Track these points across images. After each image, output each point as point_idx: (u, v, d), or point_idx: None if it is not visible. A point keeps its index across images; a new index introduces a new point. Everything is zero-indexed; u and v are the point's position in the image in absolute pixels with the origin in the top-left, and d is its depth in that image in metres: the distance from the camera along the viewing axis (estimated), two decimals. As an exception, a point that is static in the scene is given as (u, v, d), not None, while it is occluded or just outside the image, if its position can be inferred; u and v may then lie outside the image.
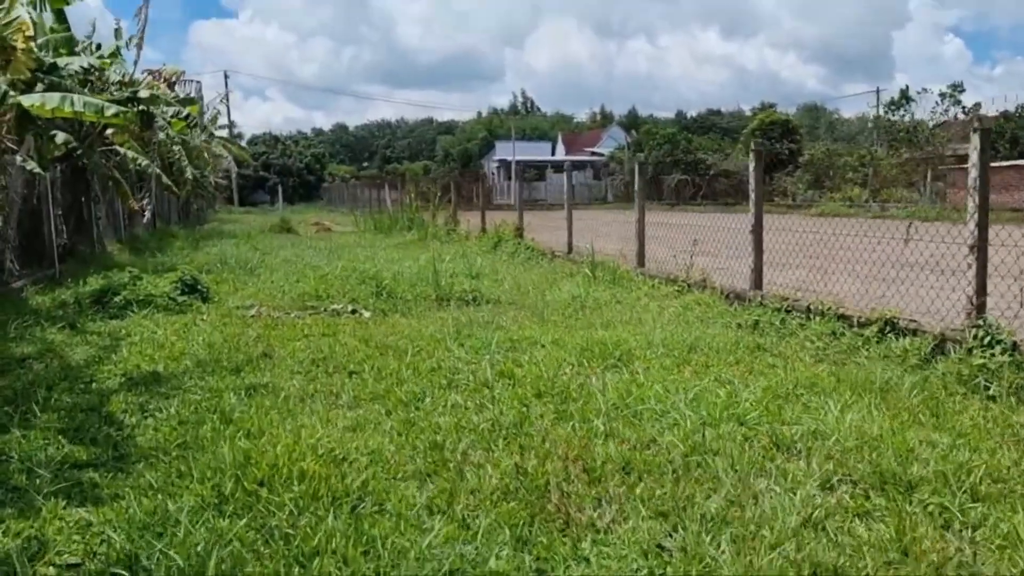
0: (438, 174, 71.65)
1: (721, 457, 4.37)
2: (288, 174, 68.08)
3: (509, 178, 65.54)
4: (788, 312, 8.36)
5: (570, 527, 3.60)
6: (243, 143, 58.60)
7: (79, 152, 13.32)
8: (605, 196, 59.16)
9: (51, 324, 8.85)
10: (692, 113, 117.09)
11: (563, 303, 10.23)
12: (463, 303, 10.39)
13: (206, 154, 23.86)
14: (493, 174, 70.04)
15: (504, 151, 74.58)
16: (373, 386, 6.27)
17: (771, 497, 3.83)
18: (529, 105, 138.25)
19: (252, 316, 9.64)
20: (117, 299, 9.99)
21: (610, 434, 4.82)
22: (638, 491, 3.95)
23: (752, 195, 9.83)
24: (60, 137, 13.25)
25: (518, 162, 63.20)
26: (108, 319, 9.47)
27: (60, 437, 5.02)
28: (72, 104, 9.38)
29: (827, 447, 4.50)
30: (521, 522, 3.63)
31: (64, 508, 3.92)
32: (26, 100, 9.10)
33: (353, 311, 9.91)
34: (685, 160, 53.75)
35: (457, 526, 3.62)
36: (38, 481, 4.28)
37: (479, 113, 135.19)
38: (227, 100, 26.51)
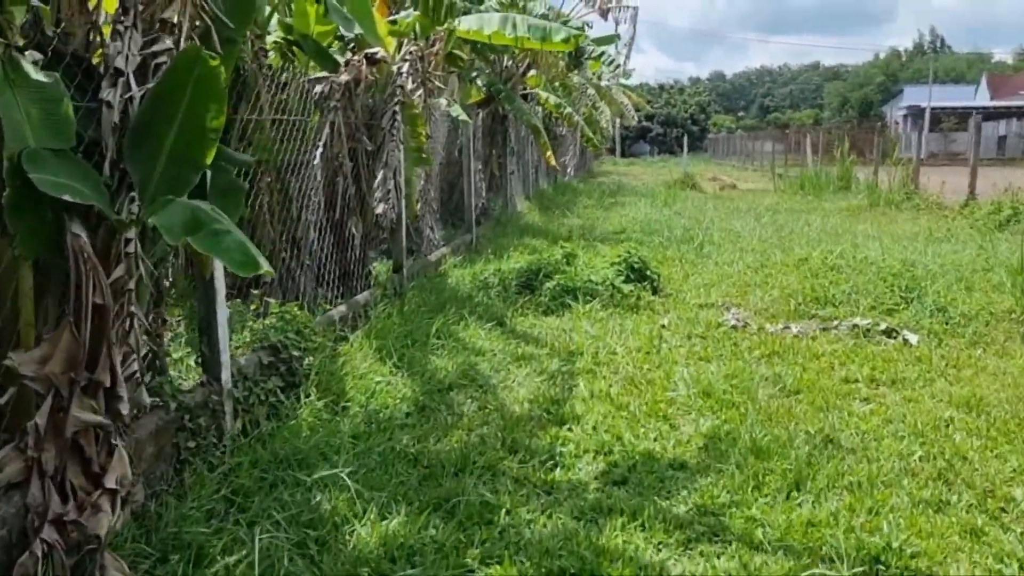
0: (832, 124, 63.69)
1: None
2: (672, 124, 64.82)
3: (920, 129, 56.23)
4: None
5: None
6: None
7: (501, 96, 11.36)
8: (1047, 149, 48.05)
9: (476, 320, 6.67)
10: None
11: None
12: (1067, 329, 6.34)
13: (610, 101, 21.54)
14: (897, 123, 60.66)
15: (915, 96, 64.05)
16: None
17: None
18: (938, 44, 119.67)
19: (732, 327, 6.63)
20: (549, 285, 7.63)
21: None
22: None
23: None
24: (482, 79, 11.42)
25: (933, 109, 54.21)
26: (541, 314, 7.13)
27: None
28: (514, 27, 7.02)
29: None
30: None
31: None
32: (463, 24, 6.92)
33: (888, 332, 6.40)
34: None
35: None
36: None
37: (876, 55, 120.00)
38: (631, 43, 23.92)
